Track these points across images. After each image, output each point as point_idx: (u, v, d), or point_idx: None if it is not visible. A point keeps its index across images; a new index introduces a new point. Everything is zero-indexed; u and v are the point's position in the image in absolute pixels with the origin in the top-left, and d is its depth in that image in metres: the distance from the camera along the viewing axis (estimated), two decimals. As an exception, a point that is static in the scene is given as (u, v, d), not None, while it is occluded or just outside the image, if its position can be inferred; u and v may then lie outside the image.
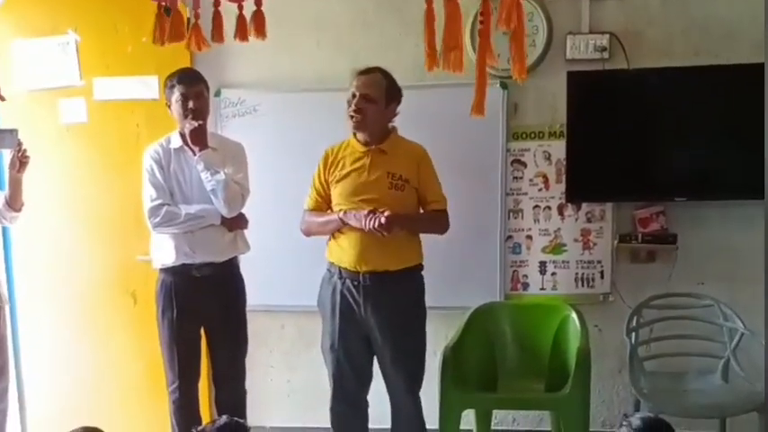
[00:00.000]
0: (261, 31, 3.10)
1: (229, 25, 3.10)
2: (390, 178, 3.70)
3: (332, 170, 3.82)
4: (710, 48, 4.17)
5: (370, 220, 3.54)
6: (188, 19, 3.18)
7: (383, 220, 3.52)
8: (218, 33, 3.11)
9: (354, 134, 3.80)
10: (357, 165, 3.76)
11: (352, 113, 3.70)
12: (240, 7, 3.07)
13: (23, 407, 4.78)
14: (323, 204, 3.87)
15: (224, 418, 2.43)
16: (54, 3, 4.54)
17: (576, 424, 3.68)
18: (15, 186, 4.00)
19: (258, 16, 3.07)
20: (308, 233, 3.93)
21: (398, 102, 3.78)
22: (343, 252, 3.73)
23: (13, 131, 3.92)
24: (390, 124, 3.82)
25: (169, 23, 3.02)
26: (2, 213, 4.06)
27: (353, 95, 3.70)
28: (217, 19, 3.07)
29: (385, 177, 3.70)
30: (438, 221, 3.81)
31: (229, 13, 3.08)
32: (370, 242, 3.63)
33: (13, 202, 4.02)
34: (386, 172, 3.71)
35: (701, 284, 4.27)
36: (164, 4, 3.00)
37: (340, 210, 3.74)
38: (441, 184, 3.82)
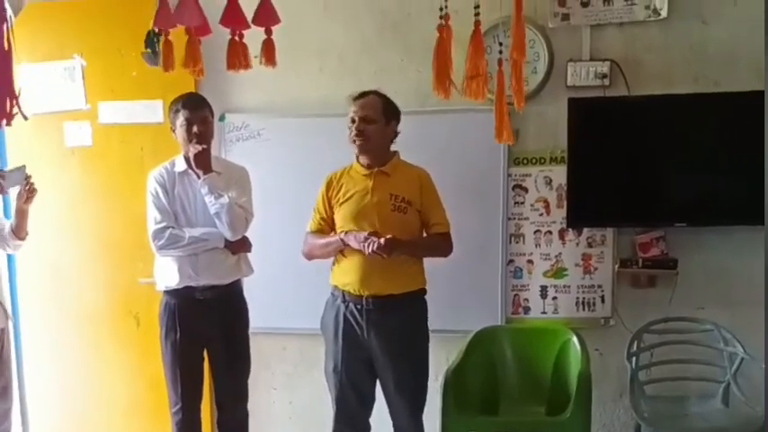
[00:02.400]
0: (271, 59, 3.12)
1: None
2: (393, 200, 3.72)
3: (335, 193, 3.85)
4: (710, 74, 4.19)
5: (370, 243, 3.57)
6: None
7: (382, 242, 3.54)
8: (233, 62, 3.13)
9: (357, 158, 3.83)
10: (360, 187, 3.78)
11: (354, 138, 3.74)
12: (240, 35, 3.09)
13: (27, 428, 4.79)
14: (326, 227, 3.89)
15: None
16: (60, 28, 4.60)
17: (577, 447, 3.69)
18: (22, 217, 4.06)
19: (268, 45, 3.09)
20: (309, 256, 3.94)
21: (398, 120, 3.82)
22: (347, 276, 3.74)
23: (21, 168, 3.99)
24: (393, 148, 3.85)
25: (187, 50, 3.05)
26: (6, 241, 4.10)
27: (353, 120, 3.74)
28: (233, 47, 3.10)
29: (388, 200, 3.72)
30: (441, 245, 3.83)
31: (251, 39, 3.11)
32: (373, 266, 3.64)
33: (19, 231, 4.07)
34: (388, 194, 3.73)
35: (701, 309, 4.27)
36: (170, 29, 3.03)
37: (342, 232, 3.77)
38: (444, 208, 3.83)
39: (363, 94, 3.79)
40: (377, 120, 3.73)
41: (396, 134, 3.84)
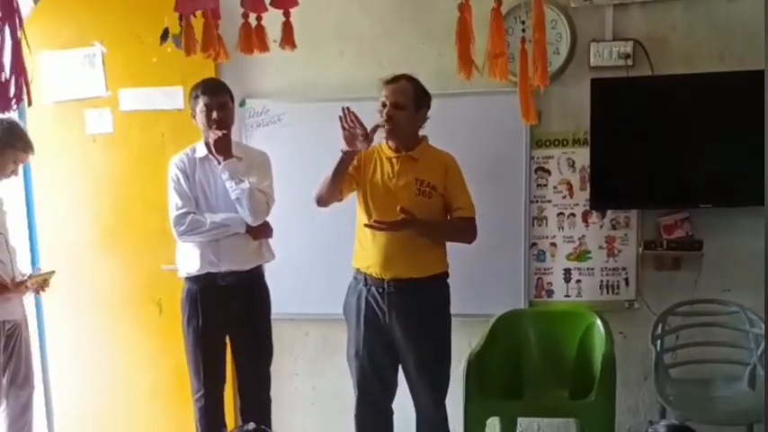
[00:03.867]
0: (290, 41, 3.11)
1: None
2: (419, 185, 3.71)
3: (360, 171, 3.83)
4: (736, 52, 4.14)
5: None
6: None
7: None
8: (246, 45, 3.12)
9: (386, 140, 3.82)
10: (387, 170, 3.78)
11: (383, 123, 3.72)
12: (259, 18, 3.08)
13: (51, 415, 4.82)
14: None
15: (251, 424, 2.44)
16: (80, 15, 4.60)
17: (601, 431, 3.67)
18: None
19: (287, 27, 3.08)
20: (318, 195, 3.83)
21: (428, 106, 3.80)
22: (368, 259, 3.74)
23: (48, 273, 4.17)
24: (421, 132, 3.83)
25: (204, 34, 3.04)
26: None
27: (384, 105, 3.72)
28: (245, 30, 3.09)
29: (413, 184, 3.71)
30: (462, 229, 3.79)
31: (271, 23, 3.10)
32: (394, 250, 3.64)
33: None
34: (414, 178, 3.72)
35: (726, 291, 4.23)
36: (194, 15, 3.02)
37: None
38: (469, 193, 3.80)
39: (395, 79, 3.76)
40: (407, 106, 3.71)
41: (425, 120, 3.81)
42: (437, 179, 3.74)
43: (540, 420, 4.59)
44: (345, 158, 3.68)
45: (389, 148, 3.82)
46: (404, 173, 3.75)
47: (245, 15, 3.04)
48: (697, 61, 4.16)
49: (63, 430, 4.85)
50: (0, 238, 3.99)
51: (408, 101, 3.72)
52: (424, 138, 3.85)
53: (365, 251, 3.77)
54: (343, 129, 3.64)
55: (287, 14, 3.06)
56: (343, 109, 3.64)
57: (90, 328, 4.77)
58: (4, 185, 4.10)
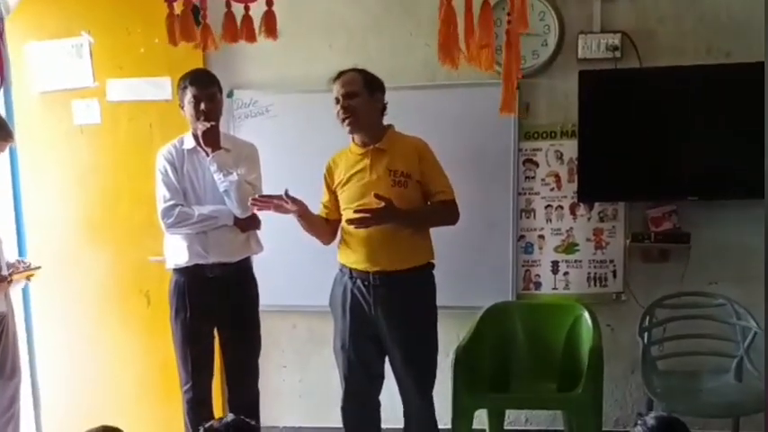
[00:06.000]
0: (272, 31, 3.10)
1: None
2: (392, 176, 3.67)
3: (335, 178, 3.83)
4: (723, 45, 4.16)
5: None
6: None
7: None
8: (229, 34, 3.11)
9: (353, 138, 3.80)
10: (358, 167, 3.75)
11: (342, 117, 3.70)
12: (247, 8, 3.07)
13: (38, 407, 4.80)
14: (329, 212, 3.89)
15: (230, 415, 2.44)
16: (67, 5, 4.56)
17: (589, 423, 3.68)
18: None
19: (269, 16, 3.07)
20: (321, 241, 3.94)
21: (382, 91, 3.76)
22: (353, 253, 3.72)
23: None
24: (386, 122, 3.79)
25: (179, 24, 3.02)
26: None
27: (337, 100, 3.70)
28: (228, 20, 3.08)
29: (387, 176, 3.67)
30: (445, 212, 3.75)
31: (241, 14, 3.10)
32: (379, 243, 3.62)
33: None
34: (386, 170, 3.68)
35: (714, 284, 4.26)
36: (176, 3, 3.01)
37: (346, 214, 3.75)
38: (446, 174, 3.76)
39: (342, 73, 3.75)
40: (360, 93, 3.68)
41: (384, 106, 3.78)
42: (411, 167, 3.70)
43: (528, 412, 4.61)
44: (301, 219, 3.76)
45: (357, 144, 3.79)
46: (375, 166, 3.72)
47: (228, 5, 3.03)
48: (684, 54, 4.18)
49: (50, 422, 4.83)
50: None
51: (359, 87, 3.69)
52: (390, 126, 3.82)
53: (350, 247, 3.75)
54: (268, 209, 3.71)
55: (270, 3, 3.04)
56: (252, 201, 3.69)
57: (78, 319, 4.76)
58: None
